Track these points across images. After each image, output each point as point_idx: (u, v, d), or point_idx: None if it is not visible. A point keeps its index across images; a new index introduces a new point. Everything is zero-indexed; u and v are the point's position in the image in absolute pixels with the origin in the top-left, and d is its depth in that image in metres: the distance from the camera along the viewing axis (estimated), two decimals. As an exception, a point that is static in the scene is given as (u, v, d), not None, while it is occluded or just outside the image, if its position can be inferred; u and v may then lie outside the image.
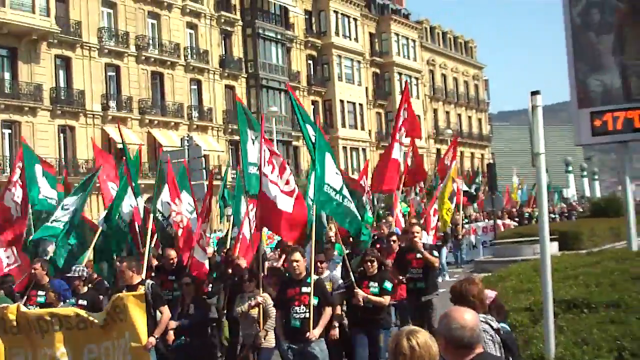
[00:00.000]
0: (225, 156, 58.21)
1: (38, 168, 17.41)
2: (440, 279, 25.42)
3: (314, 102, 71.36)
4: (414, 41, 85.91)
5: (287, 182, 12.70)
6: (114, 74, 52.12)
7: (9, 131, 44.88)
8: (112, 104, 51.26)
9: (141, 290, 11.20)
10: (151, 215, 14.50)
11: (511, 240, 29.37)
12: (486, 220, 36.33)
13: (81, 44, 49.57)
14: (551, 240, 9.43)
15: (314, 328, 10.87)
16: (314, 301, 10.94)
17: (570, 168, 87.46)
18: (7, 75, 45.62)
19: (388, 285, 12.23)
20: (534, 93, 7.99)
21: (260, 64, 62.81)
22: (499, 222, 33.72)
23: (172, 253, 14.58)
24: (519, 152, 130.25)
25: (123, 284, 11.91)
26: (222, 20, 61.17)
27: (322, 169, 12.53)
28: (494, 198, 35.64)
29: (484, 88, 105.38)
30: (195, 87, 58.70)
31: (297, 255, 11.24)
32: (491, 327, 7.11)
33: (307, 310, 10.91)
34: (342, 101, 72.28)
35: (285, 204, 12.36)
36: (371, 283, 12.15)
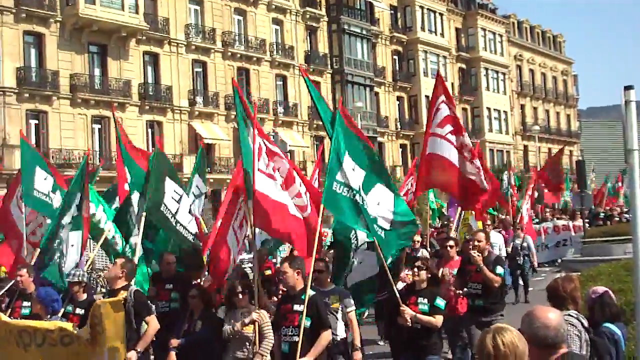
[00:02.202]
0: (310, 152, 58.41)
1: (39, 170, 15.41)
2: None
3: (399, 98, 71.13)
4: (501, 36, 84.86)
5: (286, 182, 10.85)
6: (200, 70, 52.83)
7: (99, 126, 45.87)
8: (199, 99, 51.94)
9: (121, 295, 9.83)
10: (143, 214, 12.10)
11: (601, 239, 28.67)
12: (555, 219, 34.58)
13: (169, 41, 50.36)
14: (643, 239, 9.12)
15: (303, 355, 8.95)
16: (305, 322, 9.01)
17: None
18: (97, 72, 46.62)
19: (440, 302, 10.19)
20: (627, 88, 7.74)
21: (345, 59, 62.83)
22: (570, 223, 32.54)
23: (171, 258, 12.67)
24: (609, 148, 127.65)
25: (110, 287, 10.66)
26: (308, 16, 61.41)
27: (336, 160, 10.32)
28: (583, 196, 34.76)
29: (573, 83, 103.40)
30: (281, 82, 59.05)
31: (284, 266, 9.43)
32: (582, 324, 6.94)
33: (297, 333, 9.05)
34: (427, 97, 71.50)
35: (291, 207, 10.60)
36: (420, 299, 10.22)
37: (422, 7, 73.05)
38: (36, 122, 43.33)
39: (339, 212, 10.53)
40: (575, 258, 28.64)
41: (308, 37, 62.01)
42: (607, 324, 7.37)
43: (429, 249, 18.78)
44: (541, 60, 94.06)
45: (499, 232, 23.73)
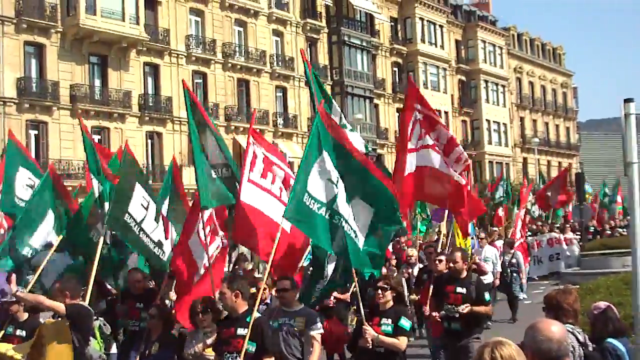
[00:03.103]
0: (309, 163, 58.31)
1: (22, 173, 14.57)
2: (521, 296, 24.42)
3: (398, 110, 71.03)
4: (500, 48, 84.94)
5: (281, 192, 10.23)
6: (200, 81, 52.83)
7: (99, 137, 45.80)
8: (199, 110, 51.87)
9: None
10: (105, 226, 11.36)
11: (600, 252, 28.68)
12: (547, 233, 33.99)
13: (169, 52, 50.43)
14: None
15: None
16: (249, 347, 8.37)
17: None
18: (97, 82, 46.65)
19: (405, 323, 9.36)
20: (627, 100, 7.76)
21: (345, 71, 62.90)
22: (561, 236, 32.15)
23: (138, 275, 12.20)
24: (608, 161, 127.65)
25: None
26: (308, 28, 61.50)
27: (308, 170, 9.33)
28: (582, 209, 34.78)
29: (573, 96, 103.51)
30: (281, 94, 59.08)
31: (223, 287, 8.79)
32: (577, 339, 6.92)
33: None
34: (427, 109, 71.65)
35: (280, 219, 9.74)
36: (383, 320, 9.39)
37: (422, 19, 73.13)
38: (36, 132, 43.33)
39: (306, 228, 9.53)
40: (574, 271, 28.63)
41: (308, 49, 62.01)
42: (610, 340, 7.33)
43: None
44: (541, 73, 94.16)
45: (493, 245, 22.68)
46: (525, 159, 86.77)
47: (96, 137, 45.33)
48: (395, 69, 71.88)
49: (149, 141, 48.77)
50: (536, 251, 30.32)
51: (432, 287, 12.57)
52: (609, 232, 37.95)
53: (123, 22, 46.15)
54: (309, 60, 60.05)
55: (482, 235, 21.93)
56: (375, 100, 66.91)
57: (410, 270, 18.06)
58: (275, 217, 10.04)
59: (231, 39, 55.09)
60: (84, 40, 45.17)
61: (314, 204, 9.22)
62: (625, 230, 39.09)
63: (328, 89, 61.28)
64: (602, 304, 7.82)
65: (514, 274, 22.35)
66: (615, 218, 44.51)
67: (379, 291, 9.49)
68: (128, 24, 46.45)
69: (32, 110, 42.68)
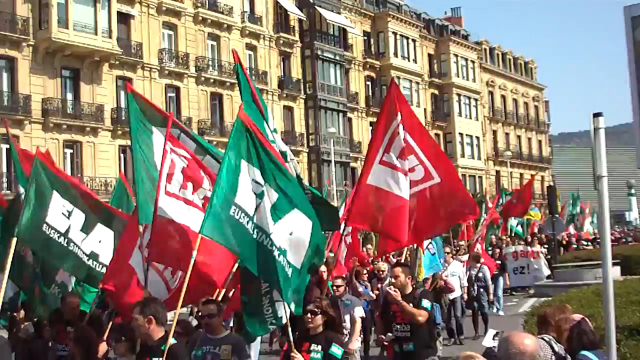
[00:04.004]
0: (283, 177, 58.29)
1: None
2: (494, 310, 24.39)
3: (372, 124, 71.26)
4: (473, 62, 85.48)
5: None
6: (174, 94, 52.70)
7: (71, 151, 45.59)
8: (172, 124, 51.67)
9: None
10: (14, 240, 10.05)
11: (572, 264, 28.92)
12: (512, 245, 33.63)
13: (142, 65, 50.24)
14: (613, 264, 9.23)
15: None
16: None
17: (632, 191, 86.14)
18: (69, 96, 46.39)
19: (336, 350, 8.54)
20: (597, 115, 7.82)
21: (318, 85, 63.02)
22: (528, 249, 31.99)
23: (75, 300, 11.40)
24: (580, 174, 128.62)
25: None
26: (281, 42, 61.59)
27: (233, 180, 8.45)
28: (554, 221, 34.97)
29: (545, 109, 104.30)
30: (254, 108, 58.97)
31: (134, 312, 7.85)
32: (552, 348, 6.98)
33: None
34: (400, 122, 71.83)
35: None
36: (313, 346, 8.59)
37: (395, 33, 73.43)
38: (7, 146, 42.94)
39: (227, 243, 8.52)
40: (547, 283, 28.83)
41: (281, 63, 62.10)
42: (585, 352, 7.34)
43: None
44: (513, 86, 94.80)
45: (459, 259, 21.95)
46: (498, 172, 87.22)
47: (68, 151, 45.12)
48: (369, 82, 72.09)
49: (122, 155, 48.48)
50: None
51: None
52: (574, 245, 38.23)
53: (95, 36, 45.97)
54: (283, 74, 60.33)
55: (447, 250, 21.56)
56: (349, 114, 67.01)
57: (379, 286, 17.05)
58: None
59: (204, 52, 55.06)
60: (56, 53, 44.92)
61: (243, 217, 8.48)
62: (588, 243, 39.41)
63: (301, 102, 61.50)
64: (577, 317, 7.84)
65: (481, 289, 21.70)
66: (581, 231, 44.77)
67: (309, 315, 8.67)
68: (100, 38, 46.26)
69: (3, 124, 42.29)
